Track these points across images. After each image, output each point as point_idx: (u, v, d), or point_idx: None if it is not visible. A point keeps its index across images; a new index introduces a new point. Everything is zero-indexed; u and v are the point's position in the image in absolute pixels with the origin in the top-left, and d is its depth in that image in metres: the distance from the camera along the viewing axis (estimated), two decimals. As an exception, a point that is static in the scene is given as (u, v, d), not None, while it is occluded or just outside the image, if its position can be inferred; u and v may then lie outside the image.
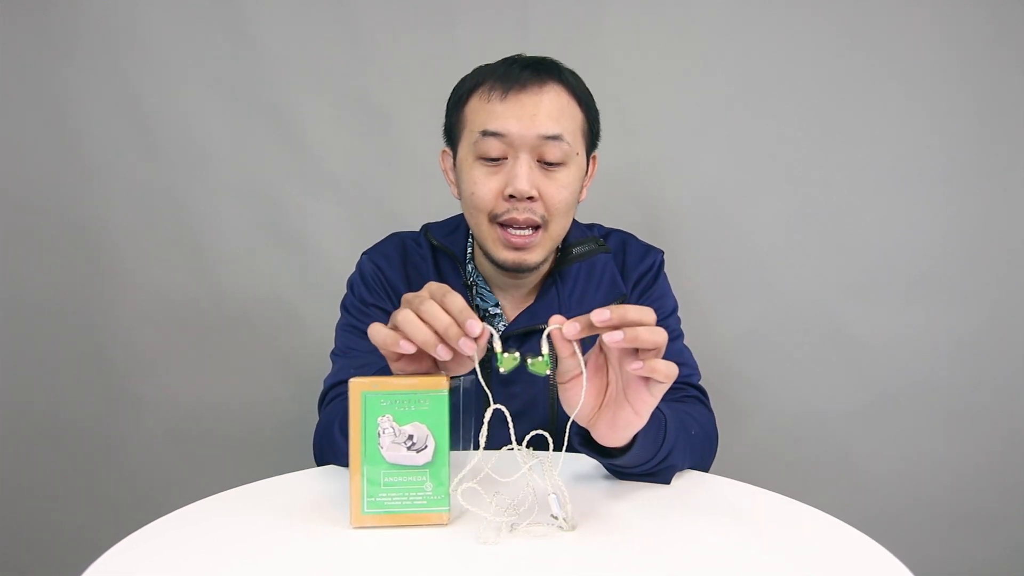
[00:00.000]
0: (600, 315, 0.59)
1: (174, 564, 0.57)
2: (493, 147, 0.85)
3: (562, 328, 0.60)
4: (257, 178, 1.38)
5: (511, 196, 0.85)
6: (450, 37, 1.35)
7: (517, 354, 0.62)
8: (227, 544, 0.61)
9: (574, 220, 1.01)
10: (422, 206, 1.23)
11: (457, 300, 0.60)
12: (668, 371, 0.61)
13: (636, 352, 0.61)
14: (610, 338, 0.59)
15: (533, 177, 0.85)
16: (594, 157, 0.96)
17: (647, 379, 0.62)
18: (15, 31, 1.34)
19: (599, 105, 0.95)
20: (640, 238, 1.04)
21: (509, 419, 0.61)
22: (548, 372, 0.62)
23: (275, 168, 1.38)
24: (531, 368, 0.62)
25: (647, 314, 0.60)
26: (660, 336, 0.60)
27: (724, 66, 1.35)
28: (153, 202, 1.38)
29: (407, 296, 0.63)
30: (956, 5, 1.31)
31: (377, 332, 0.62)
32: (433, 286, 0.62)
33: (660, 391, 0.62)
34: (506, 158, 0.86)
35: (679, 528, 0.64)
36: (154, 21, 1.34)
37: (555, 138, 0.85)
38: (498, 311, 0.96)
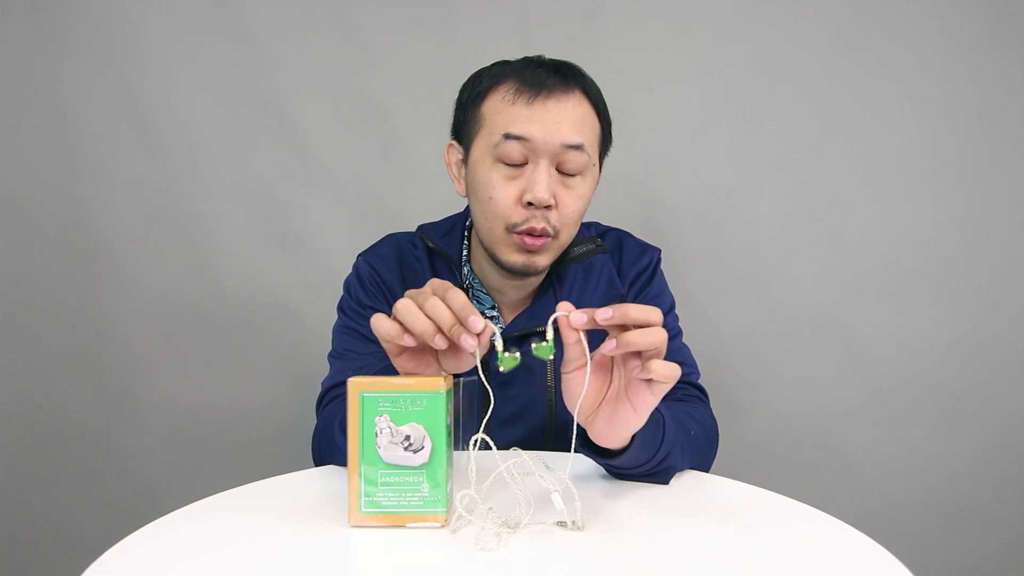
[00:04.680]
0: (603, 314, 0.59)
1: (174, 564, 0.57)
2: (515, 151, 0.83)
3: (569, 316, 0.60)
4: (257, 178, 1.38)
5: (529, 204, 0.84)
6: (450, 36, 1.35)
7: (518, 354, 0.62)
8: (227, 544, 0.61)
9: None
10: (422, 206, 1.23)
11: (459, 296, 0.60)
12: (668, 372, 0.60)
13: (639, 354, 0.61)
14: (606, 347, 0.60)
15: (552, 185, 0.84)
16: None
17: (649, 379, 0.62)
18: (12, 29, 1.34)
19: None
20: (638, 237, 1.04)
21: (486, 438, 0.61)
22: (551, 358, 0.62)
23: (275, 168, 1.38)
24: (535, 352, 0.62)
25: (650, 313, 0.60)
26: (655, 337, 0.60)
27: (724, 66, 1.35)
28: (152, 202, 1.38)
29: (410, 292, 0.63)
30: (956, 5, 1.31)
31: (380, 324, 0.62)
32: (435, 282, 0.63)
33: (662, 391, 0.62)
34: (526, 163, 0.85)
35: (679, 528, 0.64)
36: (153, 20, 1.34)
37: (577, 147, 0.84)
38: (494, 313, 0.96)
